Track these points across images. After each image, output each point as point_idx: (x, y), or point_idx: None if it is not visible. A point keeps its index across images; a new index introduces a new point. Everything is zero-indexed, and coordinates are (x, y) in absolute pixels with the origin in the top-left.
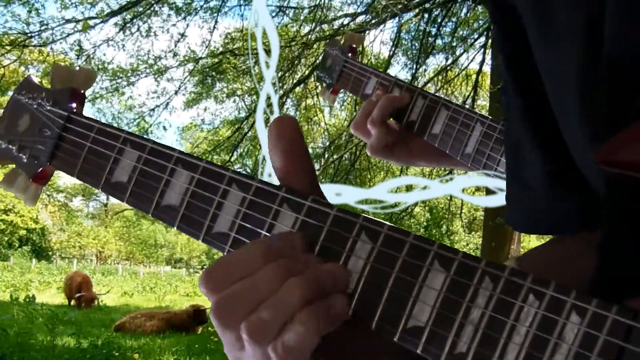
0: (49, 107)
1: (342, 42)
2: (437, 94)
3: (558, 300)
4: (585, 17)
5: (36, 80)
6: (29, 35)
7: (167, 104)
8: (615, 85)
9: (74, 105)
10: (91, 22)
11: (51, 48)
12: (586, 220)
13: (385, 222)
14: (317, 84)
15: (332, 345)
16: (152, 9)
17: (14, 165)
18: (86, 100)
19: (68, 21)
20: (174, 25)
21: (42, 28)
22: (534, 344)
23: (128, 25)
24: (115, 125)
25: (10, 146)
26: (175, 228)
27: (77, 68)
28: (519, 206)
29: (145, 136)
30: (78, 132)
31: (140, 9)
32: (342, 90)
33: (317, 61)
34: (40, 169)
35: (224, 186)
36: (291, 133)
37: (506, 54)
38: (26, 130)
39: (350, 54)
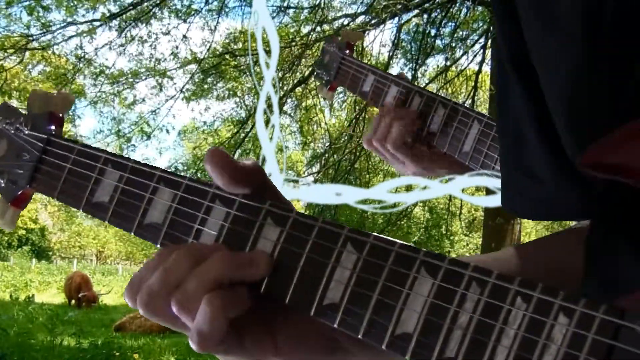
0: (27, 132)
1: (339, 39)
2: (436, 94)
3: (545, 302)
4: (584, 7)
5: (13, 105)
6: (31, 38)
7: (169, 108)
8: (614, 80)
9: (53, 128)
10: (92, 25)
11: (53, 51)
12: (591, 211)
13: (370, 232)
14: (316, 80)
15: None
16: (152, 12)
17: None
18: (87, 104)
19: (70, 24)
20: (175, 27)
21: (44, 31)
22: (522, 346)
23: (129, 28)
24: (115, 128)
25: None
26: (158, 245)
27: (55, 93)
28: (521, 193)
29: (147, 139)
30: (58, 154)
31: (142, 12)
32: (340, 87)
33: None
34: (20, 192)
35: (207, 202)
36: (225, 159)
37: (507, 43)
38: (3, 155)
39: (347, 51)
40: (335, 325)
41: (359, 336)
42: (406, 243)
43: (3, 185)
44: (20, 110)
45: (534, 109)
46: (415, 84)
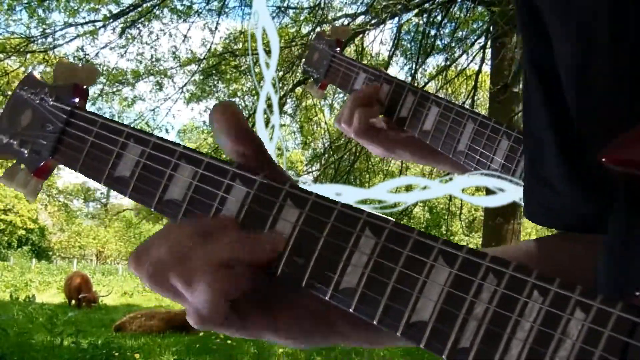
0: (51, 102)
1: (328, 35)
2: (428, 92)
3: (562, 296)
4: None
5: (38, 76)
6: (32, 40)
7: (169, 109)
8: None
9: (77, 100)
10: (92, 27)
11: (54, 53)
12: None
13: (389, 218)
14: (306, 77)
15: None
16: (153, 12)
17: (14, 161)
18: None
19: (70, 25)
20: (175, 28)
21: (45, 33)
22: (537, 340)
23: (129, 29)
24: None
25: (11, 141)
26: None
27: (80, 64)
28: (540, 203)
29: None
30: (81, 127)
31: (142, 13)
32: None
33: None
34: (42, 163)
35: (228, 181)
36: (237, 116)
37: (529, 48)
38: (28, 125)
39: (337, 48)
40: (351, 310)
41: (374, 322)
42: (424, 232)
43: (27, 155)
44: (45, 82)
45: (553, 116)
46: (415, 84)
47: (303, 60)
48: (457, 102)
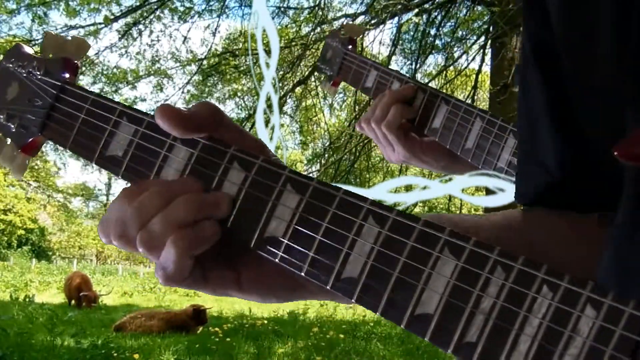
0: (40, 76)
1: (342, 33)
2: (438, 90)
3: (573, 292)
4: None
5: (27, 48)
6: (33, 43)
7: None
8: None
9: (67, 75)
10: (93, 28)
11: None
12: (603, 206)
13: (393, 207)
14: (319, 75)
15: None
16: (154, 14)
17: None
18: None
19: (71, 27)
20: (176, 29)
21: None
22: (546, 336)
23: (130, 30)
24: None
25: None
26: None
27: (69, 37)
28: (530, 183)
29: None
30: (71, 103)
31: (144, 14)
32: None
33: (318, 62)
34: (30, 139)
35: (225, 164)
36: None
37: (530, 27)
38: (15, 98)
39: (350, 46)
40: (353, 301)
41: (378, 313)
42: (430, 222)
43: (14, 130)
44: (34, 54)
45: (550, 97)
46: None
47: (318, 58)
48: (456, 97)
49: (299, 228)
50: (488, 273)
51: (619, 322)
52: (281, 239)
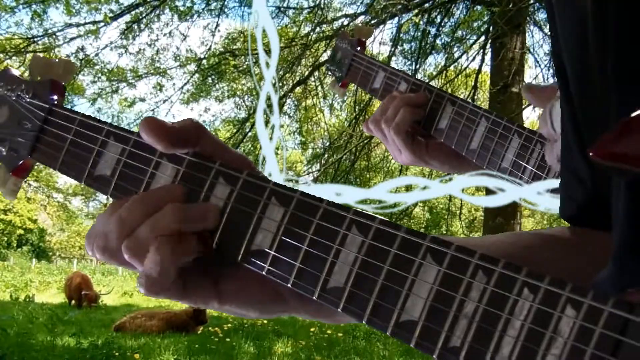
0: (28, 99)
1: (351, 35)
2: (444, 90)
3: (553, 293)
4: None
5: (15, 71)
6: (32, 40)
7: (169, 109)
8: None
9: (55, 97)
10: (94, 27)
11: (55, 53)
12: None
13: (376, 215)
14: (329, 74)
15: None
16: (154, 12)
17: None
18: (86, 101)
19: (70, 25)
20: (176, 28)
21: (46, 32)
22: (529, 338)
23: (130, 29)
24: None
25: None
26: None
27: (56, 59)
28: (571, 197)
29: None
30: (60, 125)
31: (144, 13)
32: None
33: (317, 62)
34: (21, 162)
35: (211, 179)
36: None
37: (552, 40)
38: (4, 122)
39: (359, 48)
40: (339, 310)
41: (363, 321)
42: (412, 229)
43: (4, 153)
44: (22, 77)
45: (570, 109)
46: None
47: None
48: (461, 98)
49: (285, 239)
50: (470, 278)
51: (598, 321)
52: (268, 251)
